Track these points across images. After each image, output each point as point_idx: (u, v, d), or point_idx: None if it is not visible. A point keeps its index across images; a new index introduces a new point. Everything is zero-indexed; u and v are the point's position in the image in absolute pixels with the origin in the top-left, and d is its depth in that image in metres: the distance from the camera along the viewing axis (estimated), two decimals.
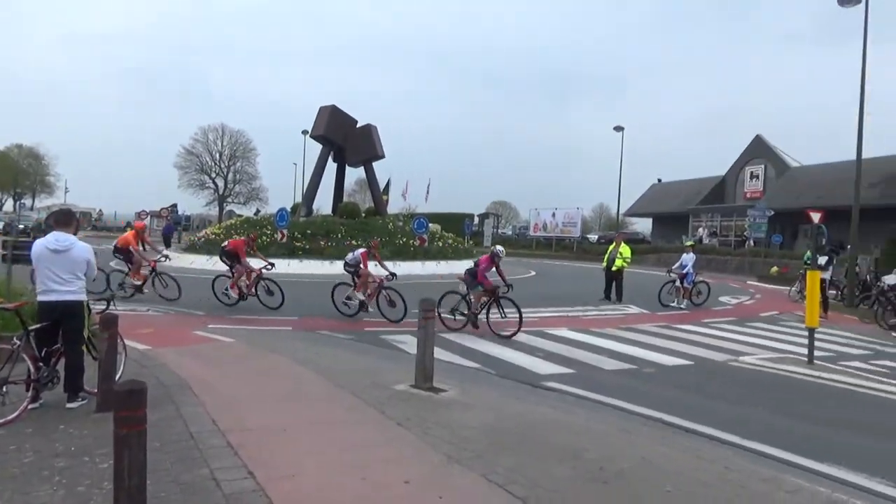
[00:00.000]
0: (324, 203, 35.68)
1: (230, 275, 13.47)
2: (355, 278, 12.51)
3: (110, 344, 5.67)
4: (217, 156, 70.75)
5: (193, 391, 6.29)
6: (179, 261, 23.00)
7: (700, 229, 44.70)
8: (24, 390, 5.41)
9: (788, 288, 21.00)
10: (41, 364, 5.58)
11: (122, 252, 14.02)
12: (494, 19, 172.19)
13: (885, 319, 14.33)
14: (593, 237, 55.89)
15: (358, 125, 31.30)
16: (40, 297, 5.66)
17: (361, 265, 12.40)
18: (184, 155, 69.62)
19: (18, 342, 5.42)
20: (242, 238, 14.65)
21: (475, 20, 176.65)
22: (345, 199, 34.38)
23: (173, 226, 44.71)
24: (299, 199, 37.79)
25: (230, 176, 71.39)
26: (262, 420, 5.48)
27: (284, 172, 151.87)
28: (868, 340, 12.46)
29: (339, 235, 26.03)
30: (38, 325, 5.62)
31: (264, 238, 23.76)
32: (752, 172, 45.37)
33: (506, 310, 11.18)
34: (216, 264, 16.80)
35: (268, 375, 7.32)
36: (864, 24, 18.10)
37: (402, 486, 4.15)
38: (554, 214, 48.35)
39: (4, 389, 5.32)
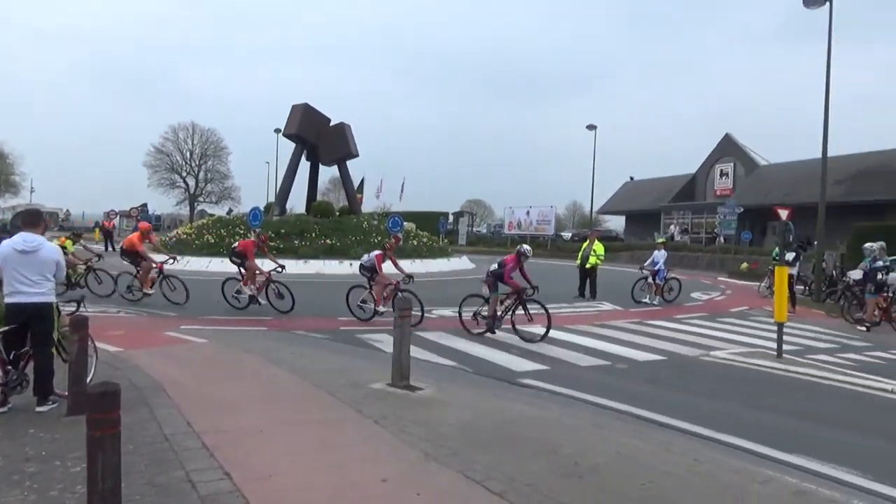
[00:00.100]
0: (297, 202, 35.49)
1: (239, 276, 13.17)
2: (370, 282, 12.20)
3: (81, 346, 5.57)
4: (188, 154, 69.75)
5: (167, 393, 6.22)
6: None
7: (671, 226, 45.19)
8: None
9: (758, 284, 21.32)
10: (10, 367, 5.48)
11: (130, 255, 13.72)
12: (470, 17, 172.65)
13: (850, 314, 14.66)
14: (567, 235, 56.14)
15: (331, 123, 31.17)
16: (8, 300, 5.53)
17: (377, 267, 12.05)
18: (154, 154, 68.61)
19: None
20: (252, 239, 14.37)
21: (447, 18, 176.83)
22: (318, 198, 34.17)
23: None
24: (272, 198, 37.39)
25: (201, 175, 70.42)
26: (237, 421, 5.44)
27: (257, 171, 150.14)
28: (834, 334, 12.75)
29: (314, 235, 25.83)
30: (5, 328, 5.50)
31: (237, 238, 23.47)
32: (721, 170, 46.05)
33: (531, 311, 10.71)
34: (189, 264, 16.57)
35: (242, 376, 7.27)
36: (828, 24, 18.54)
37: (380, 484, 4.17)
38: (528, 213, 48.52)
39: None
